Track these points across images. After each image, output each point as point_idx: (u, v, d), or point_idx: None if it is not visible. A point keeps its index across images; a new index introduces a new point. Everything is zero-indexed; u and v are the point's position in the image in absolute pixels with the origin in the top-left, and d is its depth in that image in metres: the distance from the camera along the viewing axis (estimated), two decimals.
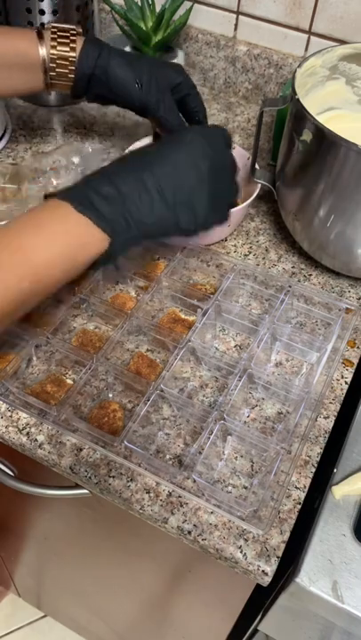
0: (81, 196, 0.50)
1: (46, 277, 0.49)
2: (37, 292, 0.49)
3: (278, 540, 0.48)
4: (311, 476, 0.52)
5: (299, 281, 0.69)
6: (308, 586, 0.46)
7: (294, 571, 0.47)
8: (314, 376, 0.58)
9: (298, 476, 0.52)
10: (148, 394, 0.54)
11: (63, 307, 0.62)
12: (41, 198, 0.72)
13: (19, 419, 0.55)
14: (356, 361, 0.62)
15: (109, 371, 0.57)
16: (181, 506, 0.50)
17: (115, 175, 0.52)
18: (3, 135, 0.83)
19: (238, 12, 0.91)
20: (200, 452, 0.51)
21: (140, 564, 0.72)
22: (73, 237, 0.50)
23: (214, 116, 0.94)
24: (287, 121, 0.63)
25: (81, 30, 0.65)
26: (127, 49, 0.88)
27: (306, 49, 0.89)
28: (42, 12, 0.83)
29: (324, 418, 0.56)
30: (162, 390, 0.54)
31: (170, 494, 0.50)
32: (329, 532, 0.49)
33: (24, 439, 0.53)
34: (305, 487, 0.51)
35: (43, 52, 0.63)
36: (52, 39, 0.63)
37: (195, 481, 0.50)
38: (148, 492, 0.50)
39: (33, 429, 0.54)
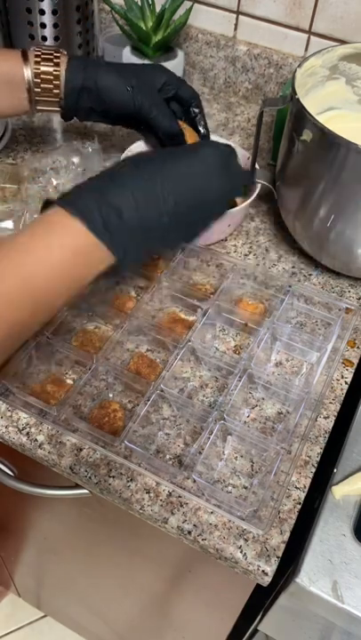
0: (83, 205, 0.44)
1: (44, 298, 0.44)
2: (36, 313, 0.45)
3: (278, 540, 0.48)
4: (311, 476, 0.52)
5: (299, 281, 0.69)
6: (309, 586, 0.46)
7: (294, 571, 0.47)
8: (314, 376, 0.58)
9: (298, 476, 0.52)
10: (149, 394, 0.54)
11: (64, 307, 0.62)
12: (41, 198, 0.72)
13: (19, 419, 0.55)
14: (356, 361, 0.62)
15: (109, 371, 0.57)
16: (181, 506, 0.50)
17: (121, 181, 0.46)
18: (3, 135, 0.83)
19: (238, 12, 0.91)
20: (200, 452, 0.51)
21: (140, 564, 0.72)
22: (72, 252, 0.44)
23: (214, 115, 0.94)
24: (287, 121, 0.63)
25: (66, 52, 0.65)
26: (127, 49, 0.88)
27: (306, 49, 0.89)
28: (42, 12, 0.83)
29: (325, 418, 0.56)
30: (162, 390, 0.54)
31: (170, 494, 0.50)
32: (329, 532, 0.49)
33: (24, 439, 0.53)
34: (305, 487, 0.51)
35: (27, 72, 0.63)
36: (37, 57, 0.63)
37: (195, 481, 0.50)
38: (148, 492, 0.50)
39: (33, 429, 0.54)
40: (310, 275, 0.70)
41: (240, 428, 0.53)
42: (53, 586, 1.08)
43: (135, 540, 0.66)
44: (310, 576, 0.47)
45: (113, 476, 0.51)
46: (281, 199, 0.69)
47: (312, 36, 0.87)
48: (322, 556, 0.48)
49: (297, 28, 0.88)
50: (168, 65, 0.77)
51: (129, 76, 0.64)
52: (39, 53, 0.63)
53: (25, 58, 0.63)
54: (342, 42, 0.85)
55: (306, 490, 0.51)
